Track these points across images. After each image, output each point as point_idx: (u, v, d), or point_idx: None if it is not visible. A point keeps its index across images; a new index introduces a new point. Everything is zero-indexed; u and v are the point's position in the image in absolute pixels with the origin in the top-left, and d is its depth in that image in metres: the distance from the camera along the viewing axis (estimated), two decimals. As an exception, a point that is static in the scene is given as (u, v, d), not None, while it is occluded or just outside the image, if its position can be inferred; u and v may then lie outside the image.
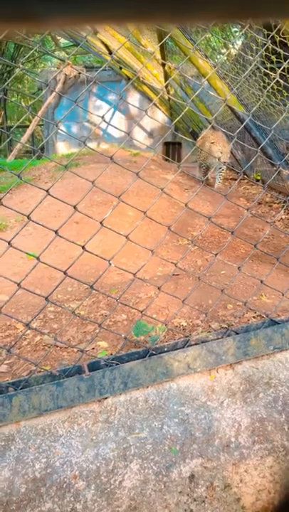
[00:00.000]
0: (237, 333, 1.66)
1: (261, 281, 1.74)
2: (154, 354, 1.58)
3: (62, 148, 9.98)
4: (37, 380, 1.53)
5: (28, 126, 10.03)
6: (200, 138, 5.76)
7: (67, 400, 1.51)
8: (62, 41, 12.06)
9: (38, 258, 1.36)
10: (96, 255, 1.51)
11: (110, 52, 7.05)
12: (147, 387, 1.58)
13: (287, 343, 1.69)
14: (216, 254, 1.69)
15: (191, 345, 1.62)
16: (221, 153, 5.01)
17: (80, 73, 9.40)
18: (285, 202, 3.95)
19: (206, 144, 5.32)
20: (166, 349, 1.62)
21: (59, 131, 8.18)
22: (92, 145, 9.02)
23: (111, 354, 1.67)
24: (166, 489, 1.43)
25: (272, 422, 1.52)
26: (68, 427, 1.51)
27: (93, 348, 1.80)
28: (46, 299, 1.43)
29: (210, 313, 1.81)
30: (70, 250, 2.87)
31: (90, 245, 1.45)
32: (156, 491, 1.42)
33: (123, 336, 1.63)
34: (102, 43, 7.12)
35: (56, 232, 1.37)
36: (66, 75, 9.49)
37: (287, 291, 1.78)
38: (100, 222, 1.43)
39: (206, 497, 1.43)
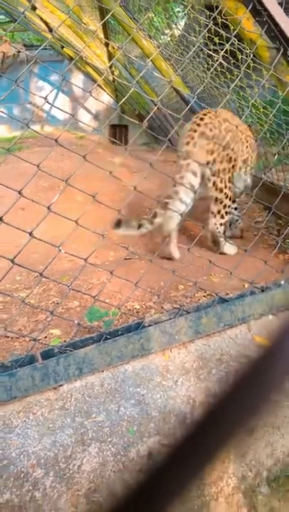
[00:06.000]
0: (188, 313, 1.70)
1: (210, 261, 1.79)
2: (109, 338, 1.58)
3: (3, 131, 9.51)
4: (-12, 372, 1.49)
5: None
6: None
7: (21, 390, 1.48)
8: (-2, 16, 11.33)
9: (-18, 247, 1.30)
10: (45, 242, 1.46)
11: (51, 30, 6.75)
12: (103, 371, 1.59)
13: (236, 319, 1.75)
14: (166, 237, 1.70)
15: (144, 327, 1.64)
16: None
17: (19, 52, 8.93)
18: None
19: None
20: (120, 333, 1.63)
21: (-1, 113, 7.77)
22: (36, 128, 8.69)
23: (65, 341, 1.65)
24: (125, 469, 1.45)
25: (225, 395, 1.58)
26: (24, 417, 1.49)
27: (46, 337, 1.77)
28: (-6, 288, 1.37)
29: (162, 295, 1.84)
30: (17, 238, 2.76)
31: (38, 232, 1.40)
32: (116, 472, 1.44)
33: (76, 322, 1.61)
34: (42, 19, 6.79)
35: (0, 219, 1.31)
36: (4, 53, 8.98)
37: (235, 270, 1.84)
38: (48, 208, 1.39)
39: (164, 472, 1.47)
